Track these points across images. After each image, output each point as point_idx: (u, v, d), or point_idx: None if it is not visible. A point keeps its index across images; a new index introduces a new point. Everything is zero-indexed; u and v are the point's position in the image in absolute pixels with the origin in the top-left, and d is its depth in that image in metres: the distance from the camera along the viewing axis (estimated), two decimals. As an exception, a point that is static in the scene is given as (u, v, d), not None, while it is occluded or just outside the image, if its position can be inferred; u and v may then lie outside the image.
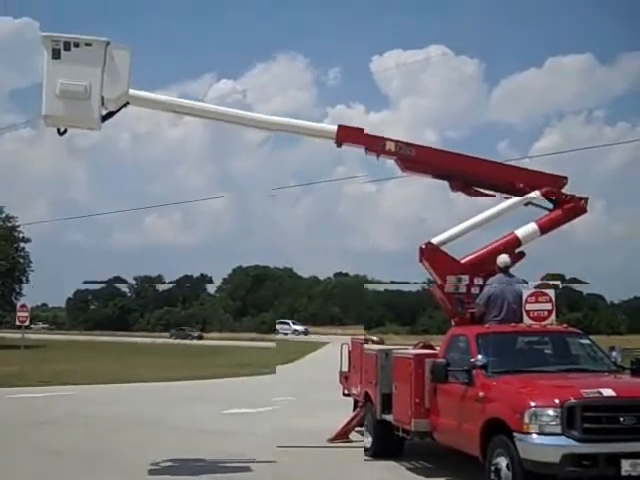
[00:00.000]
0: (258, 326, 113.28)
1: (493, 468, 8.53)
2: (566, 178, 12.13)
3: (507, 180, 12.00)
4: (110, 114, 11.04)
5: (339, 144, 12.20)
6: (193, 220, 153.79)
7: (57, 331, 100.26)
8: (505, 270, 11.30)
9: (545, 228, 11.96)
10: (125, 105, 11.06)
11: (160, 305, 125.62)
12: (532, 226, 11.90)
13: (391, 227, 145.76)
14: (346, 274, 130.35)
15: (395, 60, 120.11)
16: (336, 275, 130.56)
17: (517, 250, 11.82)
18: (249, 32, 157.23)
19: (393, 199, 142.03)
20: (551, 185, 11.90)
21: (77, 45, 10.45)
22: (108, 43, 10.50)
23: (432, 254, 11.84)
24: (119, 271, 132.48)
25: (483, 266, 11.72)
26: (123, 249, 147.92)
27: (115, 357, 39.54)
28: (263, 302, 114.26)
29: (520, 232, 11.84)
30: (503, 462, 8.38)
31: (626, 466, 7.85)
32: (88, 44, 10.46)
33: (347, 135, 12.17)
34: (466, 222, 12.27)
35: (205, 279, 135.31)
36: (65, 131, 10.96)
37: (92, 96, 10.42)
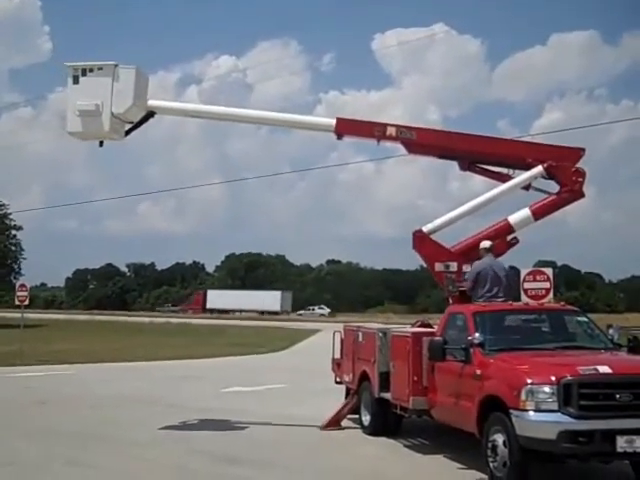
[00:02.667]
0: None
1: (490, 445, 8.58)
2: (583, 150, 11.62)
3: (515, 155, 11.78)
4: (136, 125, 12.67)
5: (339, 136, 12.50)
6: (186, 207, 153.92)
7: (56, 310, 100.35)
8: (489, 251, 11.34)
9: (539, 214, 11.66)
10: (151, 115, 12.64)
11: (159, 284, 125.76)
12: (525, 212, 11.66)
13: (385, 214, 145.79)
14: (339, 261, 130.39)
15: (397, 38, 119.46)
16: (329, 262, 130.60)
17: (510, 236, 11.76)
18: (249, 15, 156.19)
19: (387, 186, 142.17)
20: (563, 159, 11.43)
21: (91, 70, 12.14)
22: (116, 65, 12.07)
23: (421, 242, 11.94)
24: (111, 258, 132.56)
25: (474, 253, 11.71)
26: (116, 236, 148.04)
27: (114, 336, 39.62)
28: (262, 281, 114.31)
29: (513, 218, 11.68)
30: (500, 439, 8.43)
31: (621, 442, 7.89)
32: (100, 68, 12.12)
33: (347, 127, 12.45)
34: (460, 208, 12.15)
35: (198, 266, 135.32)
36: (102, 143, 12.63)
37: (103, 112, 11.97)
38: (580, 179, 11.35)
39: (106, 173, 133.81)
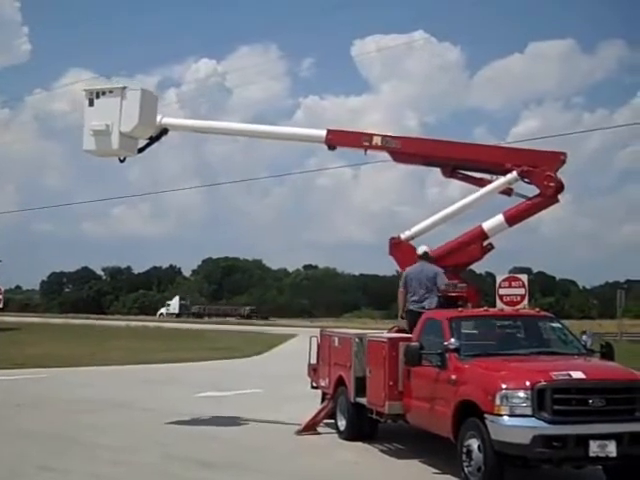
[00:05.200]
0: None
1: (465, 450, 8.64)
2: (564, 154, 11.54)
3: (495, 161, 11.82)
4: (150, 143, 13.66)
5: (332, 147, 12.93)
6: (164, 211, 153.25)
7: (31, 313, 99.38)
8: (424, 257, 11.63)
9: (513, 220, 11.68)
10: (165, 132, 13.64)
11: (135, 288, 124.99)
12: (499, 218, 11.71)
13: (362, 219, 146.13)
14: (316, 266, 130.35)
15: (376, 44, 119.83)
16: (306, 267, 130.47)
17: (485, 242, 11.85)
18: (230, 19, 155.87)
19: (364, 191, 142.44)
20: (542, 163, 11.37)
21: (104, 93, 13.06)
22: (124, 87, 12.96)
23: (397, 248, 12.23)
24: (87, 261, 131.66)
25: (449, 259, 11.83)
26: (92, 239, 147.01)
27: (89, 340, 39.29)
28: (239, 286, 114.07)
29: (487, 224, 11.77)
30: (475, 444, 8.49)
31: (594, 447, 7.99)
32: (111, 91, 13.02)
33: (337, 138, 12.85)
34: (438, 214, 12.32)
35: (174, 270, 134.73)
36: (125, 159, 13.64)
37: (113, 132, 12.83)
38: (552, 184, 11.27)
39: (83, 176, 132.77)
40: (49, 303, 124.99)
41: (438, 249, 11.98)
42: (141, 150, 13.75)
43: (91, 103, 13.13)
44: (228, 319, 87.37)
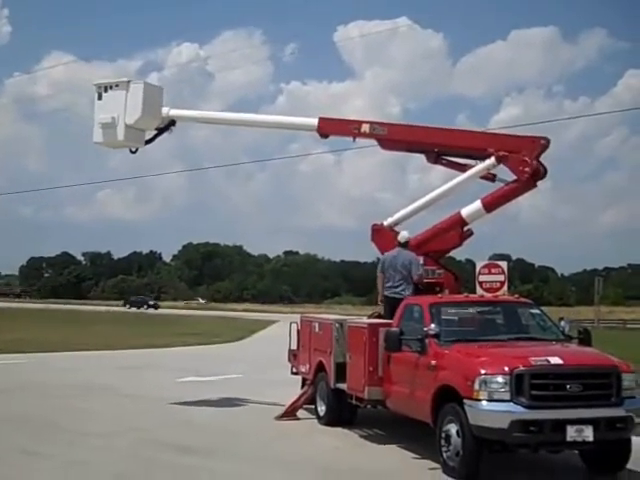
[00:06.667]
0: (213, 295, 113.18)
1: (444, 435, 8.69)
2: (545, 139, 11.42)
3: (478, 147, 11.78)
4: (158, 134, 14.16)
5: (324, 135, 13.13)
6: (145, 196, 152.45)
7: (9, 299, 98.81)
8: (403, 245, 11.65)
9: (490, 205, 11.65)
10: (172, 123, 14.11)
11: (115, 273, 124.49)
12: (477, 204, 11.71)
13: (343, 205, 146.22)
14: (296, 252, 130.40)
15: (359, 31, 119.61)
16: (286, 253, 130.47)
17: (465, 229, 11.89)
18: (215, 3, 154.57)
19: (346, 178, 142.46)
20: (522, 149, 11.26)
21: (111, 87, 13.59)
22: (129, 81, 13.52)
23: (377, 235, 12.35)
24: (67, 246, 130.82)
25: (429, 245, 11.88)
26: (72, 224, 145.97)
27: (69, 325, 39.15)
28: (220, 271, 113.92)
29: (465, 211, 11.78)
30: (453, 429, 8.54)
31: (571, 432, 8.06)
32: (117, 85, 13.56)
33: (328, 126, 13.06)
34: (419, 200, 12.35)
35: (155, 256, 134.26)
36: (137, 150, 14.18)
37: (118, 124, 13.37)
38: (527, 169, 11.17)
39: (65, 160, 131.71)
40: (28, 288, 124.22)
41: (418, 236, 12.01)
42: (149, 141, 14.27)
43: (100, 97, 13.69)
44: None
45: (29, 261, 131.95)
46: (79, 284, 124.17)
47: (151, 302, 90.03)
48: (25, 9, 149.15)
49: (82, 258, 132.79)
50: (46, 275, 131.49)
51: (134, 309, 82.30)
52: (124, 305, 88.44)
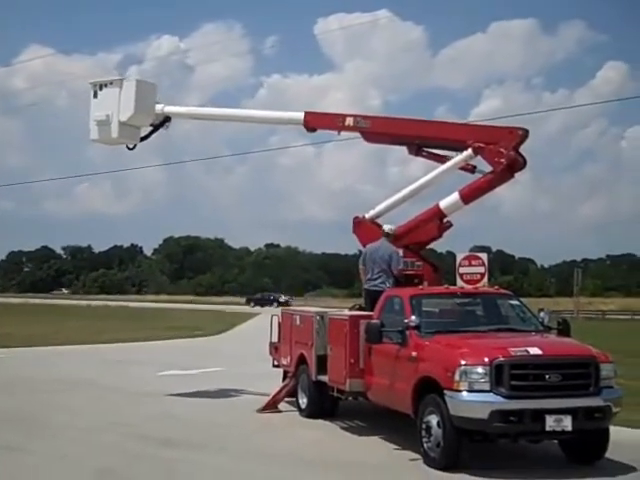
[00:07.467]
0: (195, 288, 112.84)
1: (424, 426, 8.75)
2: (523, 129, 11.36)
3: (458, 138, 11.75)
4: (153, 130, 14.26)
5: (311, 129, 13.26)
6: (125, 189, 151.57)
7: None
8: (386, 236, 11.72)
9: (467, 197, 11.63)
10: (167, 120, 14.19)
11: (96, 267, 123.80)
12: (454, 196, 11.71)
13: (324, 198, 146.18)
14: (277, 245, 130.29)
15: (340, 23, 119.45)
16: (267, 246, 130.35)
17: (444, 220, 11.94)
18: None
19: (327, 170, 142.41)
20: (501, 139, 11.21)
21: (106, 85, 13.77)
22: (122, 79, 13.74)
23: (358, 227, 12.44)
24: (47, 240, 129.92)
25: (409, 237, 11.94)
26: (52, 217, 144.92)
27: (49, 320, 38.92)
28: (201, 265, 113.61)
29: (443, 203, 11.80)
30: (434, 420, 8.60)
31: (550, 422, 8.15)
32: (111, 83, 13.74)
33: (313, 120, 13.19)
34: (400, 192, 12.39)
35: (135, 249, 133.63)
36: (135, 146, 14.33)
37: (112, 121, 13.60)
38: (502, 160, 11.12)
39: (44, 154, 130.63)
40: (7, 282, 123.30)
41: (398, 228, 12.05)
42: (144, 138, 14.39)
43: (95, 95, 13.90)
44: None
45: (8, 255, 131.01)
46: (59, 278, 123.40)
47: (282, 299, 75.11)
48: (3, 1, 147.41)
49: (62, 252, 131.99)
50: (26, 269, 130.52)
51: (258, 307, 69.42)
52: (247, 303, 77.49)
